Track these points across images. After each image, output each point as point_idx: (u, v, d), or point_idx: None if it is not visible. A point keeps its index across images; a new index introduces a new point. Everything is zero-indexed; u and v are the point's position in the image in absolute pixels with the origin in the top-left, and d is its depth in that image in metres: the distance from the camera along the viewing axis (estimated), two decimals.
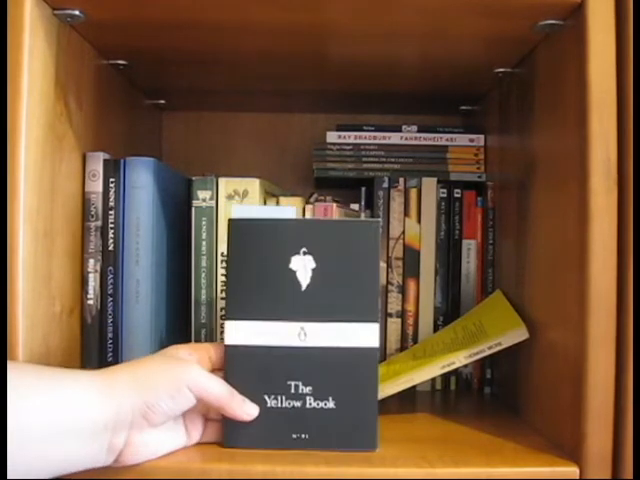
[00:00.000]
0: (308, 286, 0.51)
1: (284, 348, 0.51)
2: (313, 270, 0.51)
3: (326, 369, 0.51)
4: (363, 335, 0.51)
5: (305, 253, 0.51)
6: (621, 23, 0.49)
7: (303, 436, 0.51)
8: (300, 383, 0.51)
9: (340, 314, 0.51)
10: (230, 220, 0.52)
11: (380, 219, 0.51)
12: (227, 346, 0.51)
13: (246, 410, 0.50)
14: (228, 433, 0.51)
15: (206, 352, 0.51)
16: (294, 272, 0.51)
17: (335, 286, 0.51)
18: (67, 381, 0.45)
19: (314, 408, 0.51)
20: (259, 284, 0.51)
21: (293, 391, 0.51)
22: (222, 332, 0.51)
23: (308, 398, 0.51)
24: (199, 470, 0.48)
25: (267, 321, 0.51)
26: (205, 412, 0.51)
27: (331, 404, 0.51)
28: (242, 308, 0.51)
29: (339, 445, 0.51)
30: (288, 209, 0.57)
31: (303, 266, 0.51)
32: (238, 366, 0.51)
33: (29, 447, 0.41)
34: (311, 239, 0.52)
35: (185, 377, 0.47)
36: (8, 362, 0.46)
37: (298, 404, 0.51)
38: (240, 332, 0.51)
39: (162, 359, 0.49)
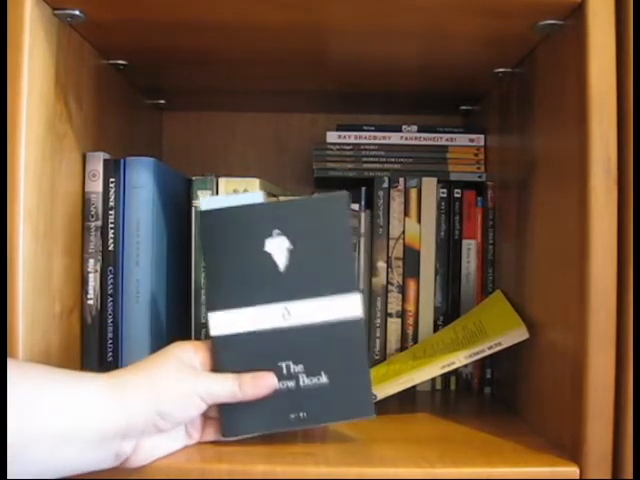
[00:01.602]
0: (286, 266, 0.52)
1: (270, 331, 0.51)
2: (288, 250, 0.52)
3: (314, 345, 0.52)
4: (345, 306, 0.52)
5: (278, 235, 0.52)
6: (621, 23, 0.49)
7: (301, 414, 0.51)
8: (291, 363, 0.51)
9: (320, 289, 0.52)
10: (199, 212, 0.53)
11: (347, 192, 0.52)
12: (213, 337, 0.51)
13: (261, 387, 0.50)
14: (226, 424, 0.51)
15: (209, 350, 0.51)
16: (270, 255, 0.52)
17: (312, 263, 0.52)
18: (78, 385, 0.45)
19: (308, 385, 0.51)
20: (237, 272, 0.52)
21: (285, 372, 0.51)
22: None
23: (301, 376, 0.51)
24: (199, 470, 0.48)
25: (250, 307, 0.51)
26: (204, 411, 0.51)
27: (324, 379, 0.51)
28: (223, 298, 0.52)
29: (337, 417, 0.52)
30: (256, 195, 0.57)
31: (278, 248, 0.52)
32: (227, 356, 0.51)
33: (33, 450, 0.41)
34: (282, 220, 0.52)
35: (197, 388, 0.48)
36: (21, 362, 0.46)
37: (292, 384, 0.51)
38: (224, 322, 0.51)
39: (174, 366, 0.48)
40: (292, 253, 0.52)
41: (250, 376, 0.50)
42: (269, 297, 0.52)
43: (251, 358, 0.51)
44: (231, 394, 0.49)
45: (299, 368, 0.51)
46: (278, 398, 0.51)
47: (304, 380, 0.51)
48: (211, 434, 0.52)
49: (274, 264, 0.52)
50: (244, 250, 0.52)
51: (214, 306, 0.52)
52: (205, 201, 0.54)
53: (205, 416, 0.52)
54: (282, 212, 0.52)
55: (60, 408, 0.42)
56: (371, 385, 0.52)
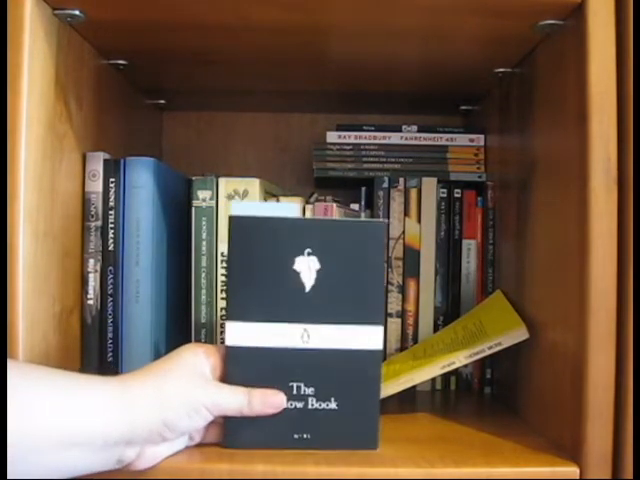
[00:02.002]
0: (312, 287, 0.51)
1: (287, 350, 0.51)
2: (317, 271, 0.51)
3: (329, 371, 0.51)
4: (367, 337, 0.51)
5: (309, 254, 0.51)
6: (621, 23, 0.49)
7: (305, 436, 0.51)
8: (302, 384, 0.51)
9: (344, 316, 0.51)
10: (231, 217, 0.51)
11: (386, 220, 0.50)
12: (228, 347, 0.51)
13: (270, 406, 0.50)
14: (228, 434, 0.51)
15: (220, 356, 0.51)
16: (298, 273, 0.51)
17: (339, 288, 0.51)
18: (83, 389, 0.44)
19: (316, 409, 0.51)
20: (262, 285, 0.51)
21: (295, 392, 0.51)
22: (222, 332, 0.51)
23: (310, 399, 0.51)
24: (199, 470, 0.48)
25: (269, 322, 0.51)
26: None
27: (333, 405, 0.51)
28: (244, 309, 0.51)
29: (340, 445, 0.51)
30: (291, 206, 0.56)
31: (307, 267, 0.51)
32: (239, 368, 0.50)
33: (33, 452, 0.41)
34: (316, 239, 0.51)
35: (205, 400, 0.47)
36: (21, 363, 0.45)
37: (300, 405, 0.51)
38: (242, 333, 0.51)
39: (184, 374, 0.48)
40: (320, 274, 0.51)
41: (260, 393, 0.50)
42: (290, 316, 0.51)
43: (263, 374, 0.50)
44: (239, 409, 0.49)
45: (310, 391, 0.51)
46: (284, 417, 0.51)
47: (313, 403, 0.51)
48: (213, 437, 0.51)
49: (301, 283, 0.51)
50: (272, 264, 0.51)
51: (233, 316, 0.51)
52: (237, 206, 0.53)
53: None
54: (316, 231, 0.51)
55: (61, 411, 0.42)
56: (379, 418, 0.52)
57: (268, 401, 0.50)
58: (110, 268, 0.61)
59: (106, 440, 0.43)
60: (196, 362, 0.49)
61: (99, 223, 0.61)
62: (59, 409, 0.42)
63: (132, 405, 0.45)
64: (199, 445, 0.51)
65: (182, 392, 0.47)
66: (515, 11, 0.53)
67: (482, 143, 0.79)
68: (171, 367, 0.48)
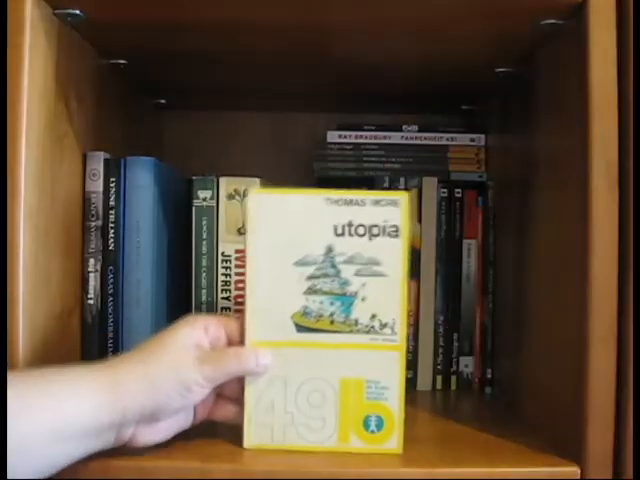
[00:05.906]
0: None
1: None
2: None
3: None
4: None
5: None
6: (622, 23, 0.49)
7: None
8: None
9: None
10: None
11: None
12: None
13: (260, 364, 0.49)
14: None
15: (222, 327, 0.50)
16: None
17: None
18: (71, 382, 0.45)
19: None
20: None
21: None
22: None
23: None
24: (199, 470, 0.48)
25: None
26: (219, 390, 0.51)
27: None
28: None
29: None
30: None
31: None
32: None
33: (29, 454, 0.41)
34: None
35: (195, 376, 0.47)
36: (10, 372, 0.46)
37: None
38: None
39: (173, 354, 0.47)
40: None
41: (251, 351, 0.49)
42: None
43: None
44: (234, 370, 0.49)
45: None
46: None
47: None
48: (222, 414, 0.51)
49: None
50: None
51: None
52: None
53: (218, 395, 0.51)
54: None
55: (51, 407, 0.42)
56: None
57: (258, 359, 0.49)
58: (110, 268, 0.61)
59: (99, 429, 0.44)
60: (191, 340, 0.48)
61: (99, 223, 0.61)
62: (49, 405, 0.42)
63: (121, 392, 0.45)
64: (199, 445, 0.51)
65: (171, 372, 0.46)
66: (516, 11, 0.53)
67: (483, 143, 0.79)
68: (163, 345, 0.48)
